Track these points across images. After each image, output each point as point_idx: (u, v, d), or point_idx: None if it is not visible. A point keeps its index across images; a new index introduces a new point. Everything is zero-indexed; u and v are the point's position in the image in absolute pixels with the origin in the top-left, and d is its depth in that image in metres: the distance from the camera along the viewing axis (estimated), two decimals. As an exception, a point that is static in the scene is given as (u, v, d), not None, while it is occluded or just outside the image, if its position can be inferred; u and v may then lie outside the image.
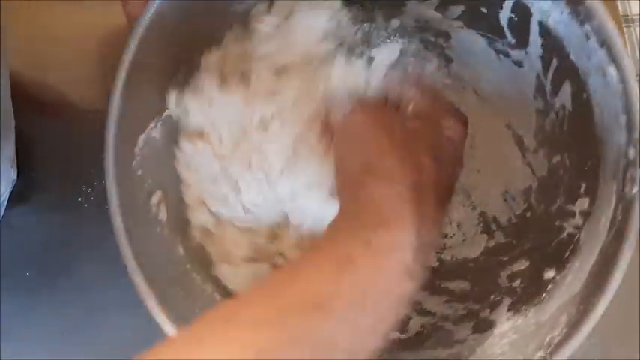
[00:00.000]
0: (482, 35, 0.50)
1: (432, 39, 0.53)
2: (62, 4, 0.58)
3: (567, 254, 0.45)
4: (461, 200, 0.55)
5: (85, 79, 0.58)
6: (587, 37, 0.37)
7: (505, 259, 0.51)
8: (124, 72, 0.42)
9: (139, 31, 0.42)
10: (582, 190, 0.45)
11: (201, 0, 0.43)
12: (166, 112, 0.46)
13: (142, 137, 0.45)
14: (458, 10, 0.49)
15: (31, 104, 0.57)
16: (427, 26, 0.52)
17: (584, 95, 0.43)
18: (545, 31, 0.44)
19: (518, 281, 0.49)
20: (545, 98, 0.49)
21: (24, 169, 0.55)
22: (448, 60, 0.54)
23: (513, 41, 0.48)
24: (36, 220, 0.55)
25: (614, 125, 0.39)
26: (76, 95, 0.58)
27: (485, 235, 0.54)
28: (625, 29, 0.34)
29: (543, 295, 0.45)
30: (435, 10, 0.50)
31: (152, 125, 0.46)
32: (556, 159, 0.50)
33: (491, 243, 0.53)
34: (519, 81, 0.51)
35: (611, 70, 0.34)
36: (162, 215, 0.46)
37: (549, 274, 0.46)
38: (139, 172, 0.44)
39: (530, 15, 0.44)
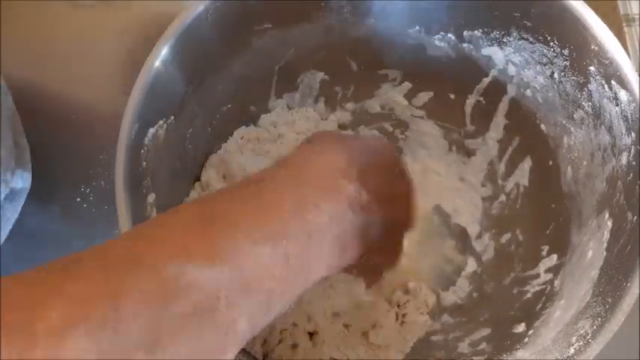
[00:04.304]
0: (441, 125, 0.56)
1: (391, 129, 0.58)
2: (62, 4, 0.60)
3: (540, 306, 0.46)
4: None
5: (84, 79, 0.58)
6: (585, 85, 0.43)
7: (460, 334, 0.50)
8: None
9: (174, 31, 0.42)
10: (545, 252, 0.49)
11: None
12: (172, 118, 0.44)
13: (151, 131, 0.42)
14: (426, 96, 0.55)
15: (29, 105, 0.56)
16: (390, 114, 0.57)
17: (550, 162, 0.49)
18: (514, 108, 0.51)
19: (483, 344, 0.47)
20: (495, 184, 0.55)
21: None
22: (398, 152, 0.58)
23: (472, 129, 0.55)
24: (35, 220, 0.54)
25: (595, 170, 0.44)
26: (76, 96, 0.58)
27: (427, 317, 0.52)
28: (626, 29, 0.39)
29: (525, 339, 0.44)
30: (405, 95, 0.56)
31: (160, 123, 0.43)
32: (505, 237, 0.53)
33: (437, 325, 0.52)
34: (467, 173, 0.56)
35: (622, 95, 0.40)
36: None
37: (519, 328, 0.46)
38: (144, 164, 0.41)
39: (503, 94, 0.51)
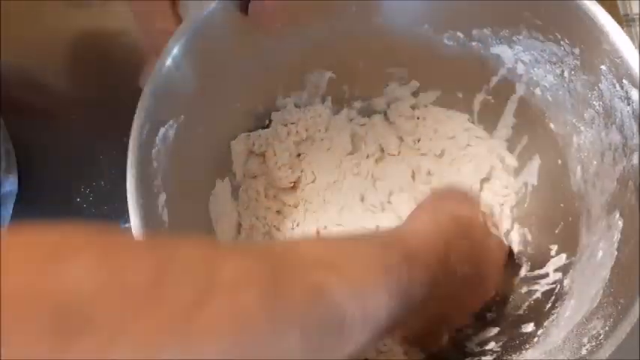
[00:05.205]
0: (448, 124, 0.56)
1: (398, 126, 0.57)
2: (62, 4, 0.60)
3: (549, 306, 0.46)
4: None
5: (84, 79, 0.58)
6: (595, 84, 0.43)
7: (468, 333, 0.50)
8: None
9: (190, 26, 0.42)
10: (554, 251, 0.48)
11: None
12: (182, 118, 0.44)
13: (162, 130, 0.42)
14: (433, 95, 0.55)
15: (29, 105, 0.57)
16: (396, 112, 0.57)
17: (559, 161, 0.49)
18: (523, 107, 0.51)
19: (492, 344, 0.47)
20: (503, 183, 0.54)
21: (23, 170, 0.54)
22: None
23: (480, 127, 0.54)
24: (34, 220, 0.49)
25: (605, 170, 0.44)
26: (75, 96, 0.58)
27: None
28: (626, 29, 0.39)
29: (535, 339, 0.44)
30: (412, 94, 0.55)
31: (171, 122, 0.43)
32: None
33: (445, 325, 0.52)
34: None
35: (634, 95, 0.40)
36: (165, 217, 0.42)
37: (528, 327, 0.45)
38: (155, 164, 0.41)
39: (511, 93, 0.51)
